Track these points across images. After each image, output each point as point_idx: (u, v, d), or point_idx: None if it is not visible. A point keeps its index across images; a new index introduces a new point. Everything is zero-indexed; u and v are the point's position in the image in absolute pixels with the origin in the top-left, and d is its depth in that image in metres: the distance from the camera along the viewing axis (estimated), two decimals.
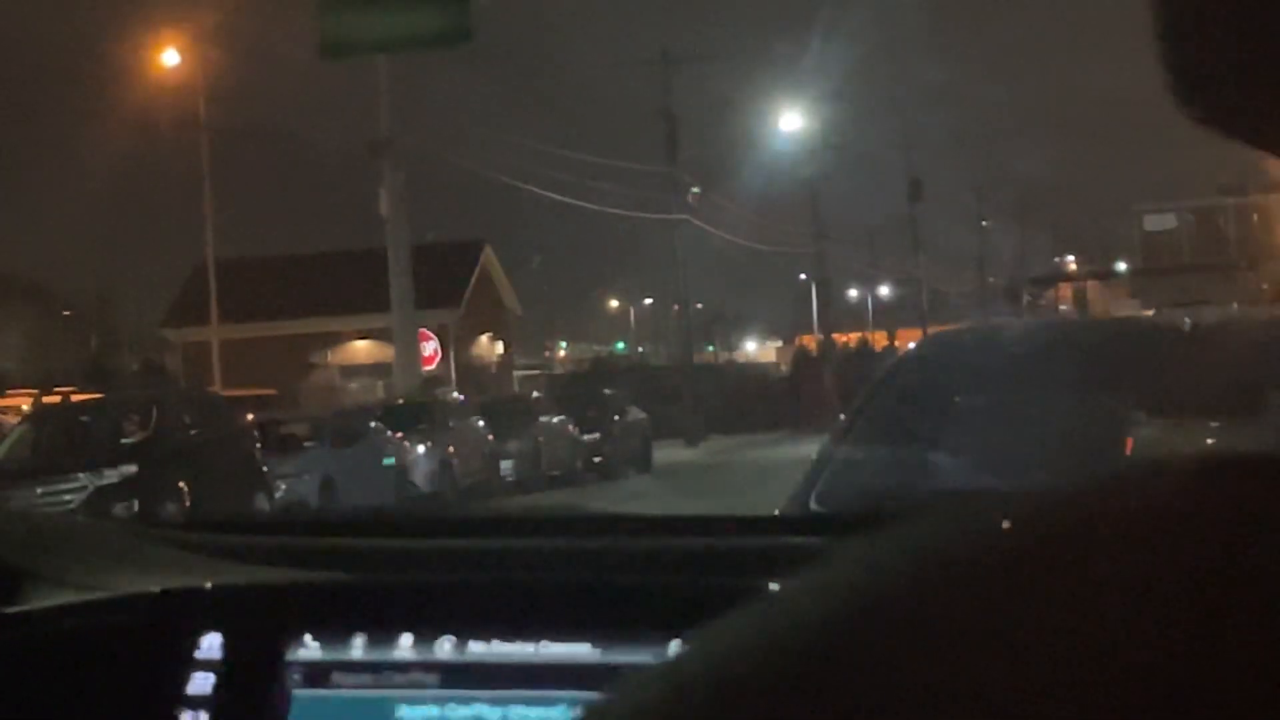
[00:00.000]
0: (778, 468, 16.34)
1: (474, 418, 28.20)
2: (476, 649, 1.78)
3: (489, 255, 50.89)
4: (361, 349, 47.62)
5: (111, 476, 19.79)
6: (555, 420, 31.14)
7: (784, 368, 60.96)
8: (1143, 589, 0.55)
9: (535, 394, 36.98)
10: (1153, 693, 0.52)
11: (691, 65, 47.00)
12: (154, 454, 20.26)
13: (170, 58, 38.11)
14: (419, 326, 33.34)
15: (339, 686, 1.83)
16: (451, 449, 26.27)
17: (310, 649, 1.85)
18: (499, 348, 52.24)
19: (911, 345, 7.51)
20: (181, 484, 19.94)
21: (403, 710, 1.80)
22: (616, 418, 33.40)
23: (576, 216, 44.90)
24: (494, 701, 1.76)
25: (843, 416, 5.72)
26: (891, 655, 0.55)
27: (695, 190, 45.12)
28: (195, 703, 1.87)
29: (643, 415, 34.26)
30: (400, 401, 28.72)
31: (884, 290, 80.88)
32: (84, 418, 22.68)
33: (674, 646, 1.65)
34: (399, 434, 25.15)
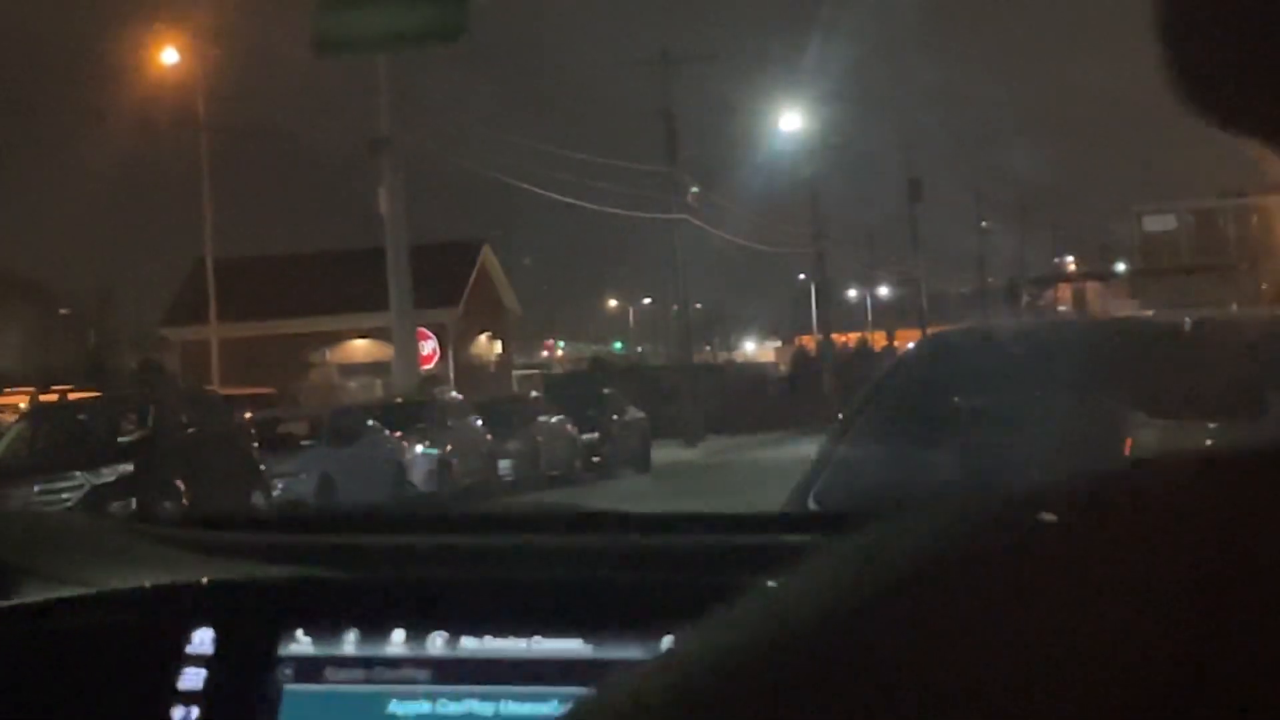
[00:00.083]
0: (777, 468, 16.32)
1: (472, 417, 28.19)
2: (469, 644, 1.78)
3: (488, 254, 50.87)
4: (360, 348, 47.61)
5: (108, 475, 19.79)
6: (554, 420, 31.14)
7: (783, 368, 61.01)
8: (1143, 585, 0.54)
9: (534, 393, 36.98)
10: (1154, 691, 0.52)
11: (691, 65, 47.00)
12: (151, 453, 20.26)
13: (169, 56, 38.11)
14: (418, 326, 33.34)
15: (331, 682, 1.83)
16: (450, 448, 26.27)
17: (302, 644, 1.84)
18: (498, 347, 52.22)
19: (911, 346, 7.50)
20: (179, 482, 19.94)
21: (394, 705, 1.79)
22: (615, 417, 33.41)
23: (576, 216, 44.92)
24: (486, 697, 1.76)
25: (841, 416, 5.72)
26: (889, 650, 0.55)
27: (694, 190, 45.12)
28: (187, 698, 1.87)
29: (641, 415, 34.27)
30: (399, 400, 28.71)
31: (883, 290, 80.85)
32: (81, 416, 22.68)
33: (666, 642, 1.65)
34: (397, 433, 25.15)
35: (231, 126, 39.99)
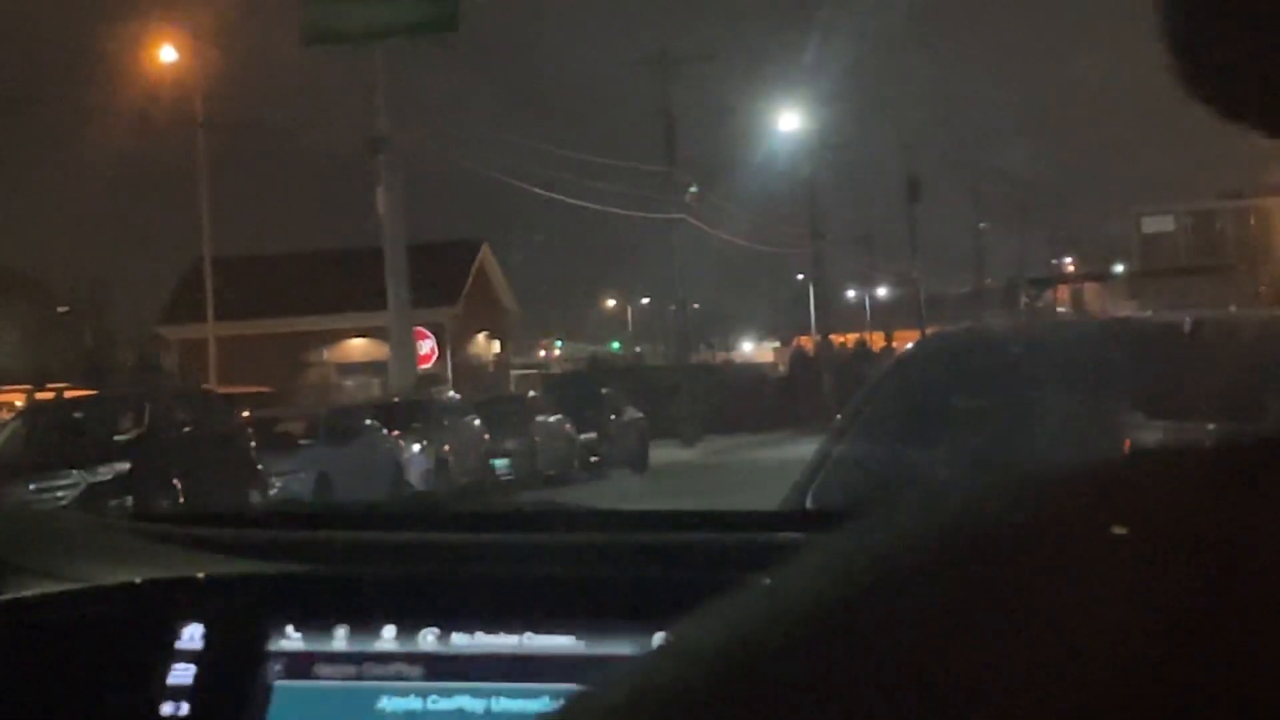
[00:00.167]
0: (774, 468, 16.31)
1: (470, 416, 28.20)
2: (459, 641, 1.77)
3: (486, 254, 50.89)
4: (358, 347, 47.61)
5: (105, 473, 19.77)
6: (552, 419, 31.15)
7: (781, 368, 61.06)
8: (1143, 579, 0.54)
9: (532, 393, 36.99)
10: (1153, 686, 0.52)
11: (690, 65, 46.98)
12: (147, 451, 20.24)
13: (167, 54, 38.09)
14: (416, 325, 33.34)
15: (321, 678, 1.82)
16: (447, 447, 26.27)
17: (292, 640, 1.84)
18: (496, 346, 52.24)
19: (909, 346, 7.49)
20: (175, 481, 19.92)
21: (385, 701, 1.78)
22: (613, 417, 33.43)
23: (574, 215, 44.91)
24: (477, 693, 1.75)
25: (839, 417, 5.70)
26: (887, 644, 0.55)
27: (693, 190, 45.12)
28: (176, 693, 1.86)
29: (639, 415, 34.29)
30: (396, 400, 28.71)
31: (882, 291, 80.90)
32: (77, 414, 22.67)
33: (658, 639, 1.64)
34: (395, 432, 25.14)
35: (230, 125, 39.98)
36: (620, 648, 1.70)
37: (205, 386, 31.45)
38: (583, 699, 0.61)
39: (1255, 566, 0.54)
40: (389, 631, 1.80)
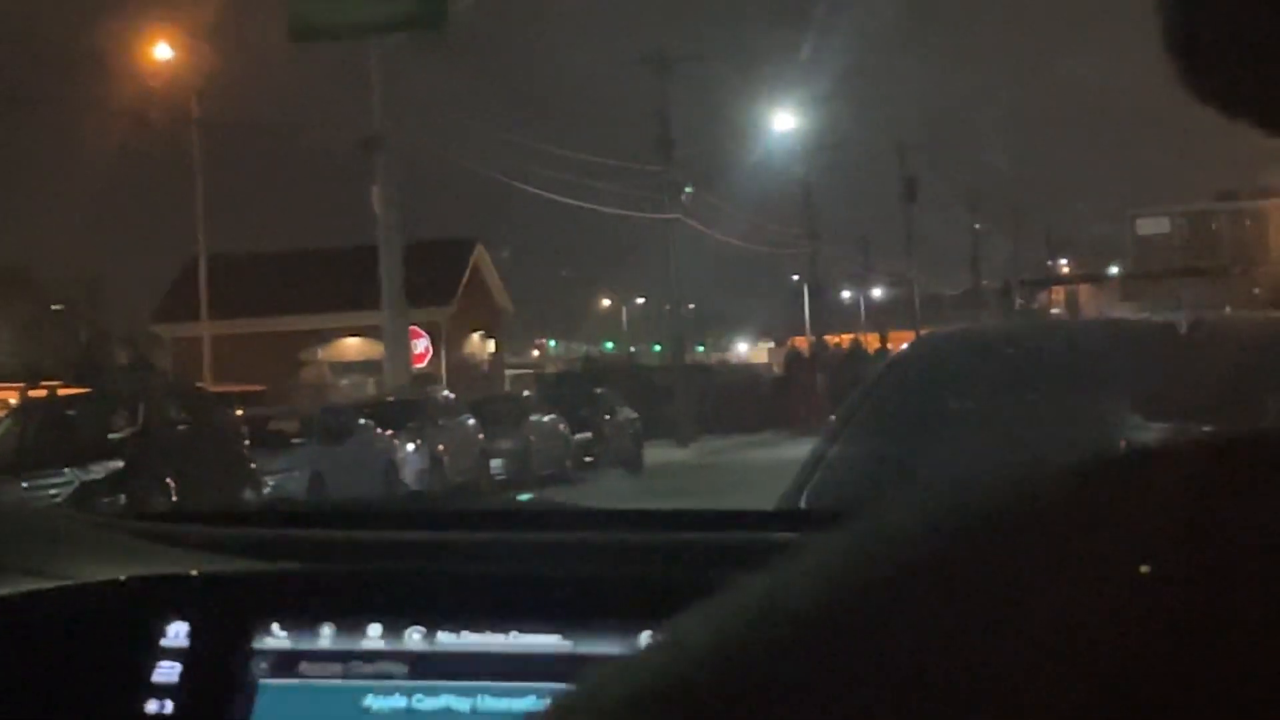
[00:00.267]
0: (769, 468, 16.30)
1: (465, 416, 28.19)
2: (446, 639, 1.76)
3: (481, 253, 50.87)
4: (352, 346, 47.60)
5: (98, 471, 19.76)
6: (546, 419, 31.16)
7: (776, 369, 61.04)
8: (1131, 574, 0.54)
9: (526, 392, 36.99)
10: (1153, 682, 0.52)
11: (686, 65, 46.98)
12: (141, 449, 20.22)
13: (162, 51, 38.07)
14: (410, 324, 33.30)
15: (306, 676, 1.81)
16: (442, 447, 26.26)
17: (278, 638, 1.83)
18: (490, 346, 52.22)
19: (904, 347, 7.47)
20: (169, 480, 19.90)
21: (370, 700, 1.78)
22: (608, 417, 33.46)
23: (569, 215, 44.89)
24: (463, 692, 1.74)
25: (834, 418, 5.69)
26: (886, 642, 0.55)
27: (688, 190, 45.12)
28: (161, 691, 1.85)
29: (634, 415, 34.31)
30: (390, 399, 28.68)
31: (877, 292, 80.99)
32: (70, 412, 22.62)
33: (645, 638, 1.62)
34: (389, 431, 25.12)
35: (224, 123, 39.96)
36: (608, 647, 1.69)
37: (199, 385, 31.42)
38: (573, 698, 0.61)
39: (1253, 565, 0.54)
40: (375, 630, 1.79)
